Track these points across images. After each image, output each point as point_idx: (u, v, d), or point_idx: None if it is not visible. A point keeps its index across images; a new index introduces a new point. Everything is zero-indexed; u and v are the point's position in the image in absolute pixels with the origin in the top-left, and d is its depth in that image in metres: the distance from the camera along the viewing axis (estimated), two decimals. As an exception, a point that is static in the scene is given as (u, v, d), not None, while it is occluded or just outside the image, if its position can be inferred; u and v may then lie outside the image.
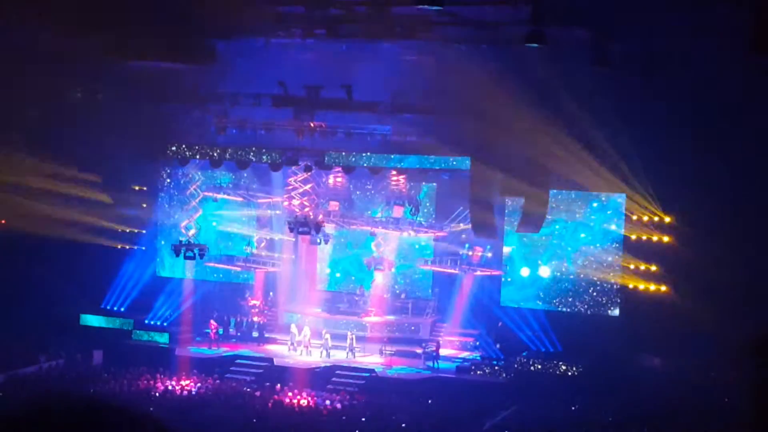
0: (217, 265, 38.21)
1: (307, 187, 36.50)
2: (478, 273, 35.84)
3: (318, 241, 35.60)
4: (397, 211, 36.53)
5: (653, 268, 33.27)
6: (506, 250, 36.53)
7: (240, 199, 38.12)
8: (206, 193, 37.64)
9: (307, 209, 35.80)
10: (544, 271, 36.03)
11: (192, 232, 37.18)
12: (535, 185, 31.75)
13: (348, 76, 31.78)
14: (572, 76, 28.70)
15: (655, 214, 32.93)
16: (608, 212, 35.18)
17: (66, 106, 34.64)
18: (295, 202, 36.68)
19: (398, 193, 36.59)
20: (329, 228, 36.74)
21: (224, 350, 35.95)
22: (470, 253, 36.17)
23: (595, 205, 35.33)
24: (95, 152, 34.75)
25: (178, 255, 35.24)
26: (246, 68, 32.07)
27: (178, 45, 25.57)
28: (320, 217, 35.82)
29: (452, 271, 36.09)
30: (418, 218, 36.57)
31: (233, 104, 33.52)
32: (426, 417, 28.95)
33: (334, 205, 37.92)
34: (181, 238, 36.44)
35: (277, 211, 38.28)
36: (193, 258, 35.36)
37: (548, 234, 35.62)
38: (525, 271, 36.32)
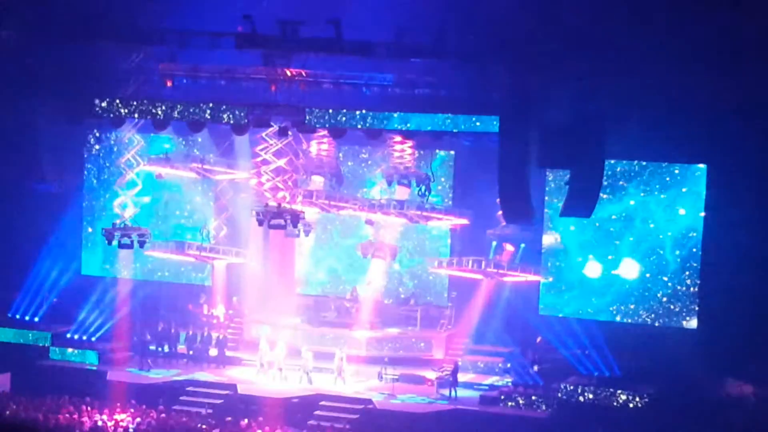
0: (162, 253, 38.28)
1: (282, 162, 36.33)
2: (510, 279, 35.96)
3: (296, 233, 35.46)
4: (402, 193, 36.56)
5: (744, 260, 33.42)
6: (550, 240, 36.36)
7: (193, 174, 38.22)
8: (147, 167, 37.73)
9: (281, 194, 35.57)
10: (629, 269, 35.57)
11: (129, 212, 37.18)
12: (586, 153, 31.48)
13: (337, 8, 31.60)
14: (636, 6, 28.54)
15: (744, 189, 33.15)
16: (683, 189, 35.23)
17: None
18: (266, 180, 36.56)
19: (402, 168, 36.54)
20: (311, 214, 36.54)
21: (174, 373, 35.86)
22: (499, 255, 36.18)
23: (667, 179, 35.32)
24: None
25: (110, 242, 35.46)
26: (201, -4, 32.09)
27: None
28: (298, 201, 35.71)
29: (475, 275, 36.26)
30: (428, 199, 36.47)
31: (183, 45, 33.27)
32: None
33: (317, 182, 37.89)
34: (115, 221, 36.39)
35: (242, 194, 38.46)
36: (130, 246, 35.50)
37: (618, 216, 35.46)
38: (594, 269, 35.96)
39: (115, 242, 35.42)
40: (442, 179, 37.83)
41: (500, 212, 34.62)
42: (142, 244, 35.70)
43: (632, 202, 35.69)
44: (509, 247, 36.06)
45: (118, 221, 36.40)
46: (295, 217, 34.11)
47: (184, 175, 38.41)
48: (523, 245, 35.86)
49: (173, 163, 37.95)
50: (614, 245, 36.01)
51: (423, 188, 36.32)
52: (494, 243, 36.20)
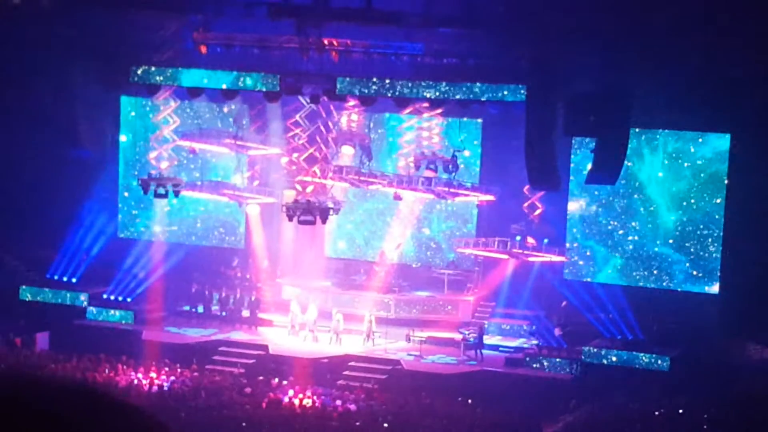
0: (198, 193, 37.98)
1: (312, 150, 36.92)
2: (535, 259, 35.60)
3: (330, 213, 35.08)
4: (430, 175, 36.40)
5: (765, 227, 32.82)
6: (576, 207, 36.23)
7: (226, 150, 38.31)
8: (181, 142, 37.99)
9: (311, 188, 36.02)
10: None
11: (165, 164, 37.28)
12: (612, 122, 31.34)
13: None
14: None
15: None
16: (703, 160, 34.98)
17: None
18: (296, 158, 36.86)
19: (430, 153, 36.42)
20: (340, 191, 36.87)
21: (208, 333, 36.19)
22: (526, 243, 35.74)
23: (692, 149, 35.04)
24: (38, 76, 34.66)
25: (146, 192, 35.47)
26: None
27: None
28: (329, 177, 36.16)
29: (500, 256, 35.94)
30: (455, 176, 36.23)
31: (218, 14, 33.30)
32: (466, 422, 28.99)
33: (347, 152, 37.98)
34: (151, 171, 36.51)
35: (274, 174, 38.79)
36: (165, 196, 35.46)
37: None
38: None
39: (150, 192, 35.27)
40: (474, 144, 37.50)
41: (525, 205, 35.35)
42: (176, 194, 35.62)
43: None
44: (531, 240, 35.51)
45: (153, 172, 36.33)
46: (325, 213, 33.84)
47: (217, 150, 38.43)
48: (546, 240, 35.37)
49: (206, 138, 37.95)
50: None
51: (450, 166, 35.95)
52: (518, 237, 35.60)
